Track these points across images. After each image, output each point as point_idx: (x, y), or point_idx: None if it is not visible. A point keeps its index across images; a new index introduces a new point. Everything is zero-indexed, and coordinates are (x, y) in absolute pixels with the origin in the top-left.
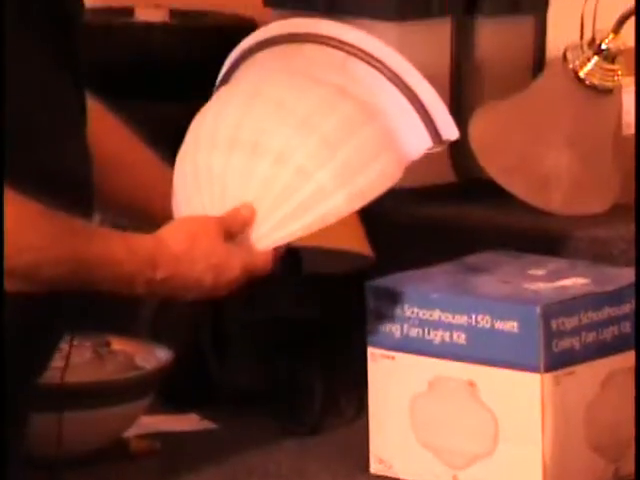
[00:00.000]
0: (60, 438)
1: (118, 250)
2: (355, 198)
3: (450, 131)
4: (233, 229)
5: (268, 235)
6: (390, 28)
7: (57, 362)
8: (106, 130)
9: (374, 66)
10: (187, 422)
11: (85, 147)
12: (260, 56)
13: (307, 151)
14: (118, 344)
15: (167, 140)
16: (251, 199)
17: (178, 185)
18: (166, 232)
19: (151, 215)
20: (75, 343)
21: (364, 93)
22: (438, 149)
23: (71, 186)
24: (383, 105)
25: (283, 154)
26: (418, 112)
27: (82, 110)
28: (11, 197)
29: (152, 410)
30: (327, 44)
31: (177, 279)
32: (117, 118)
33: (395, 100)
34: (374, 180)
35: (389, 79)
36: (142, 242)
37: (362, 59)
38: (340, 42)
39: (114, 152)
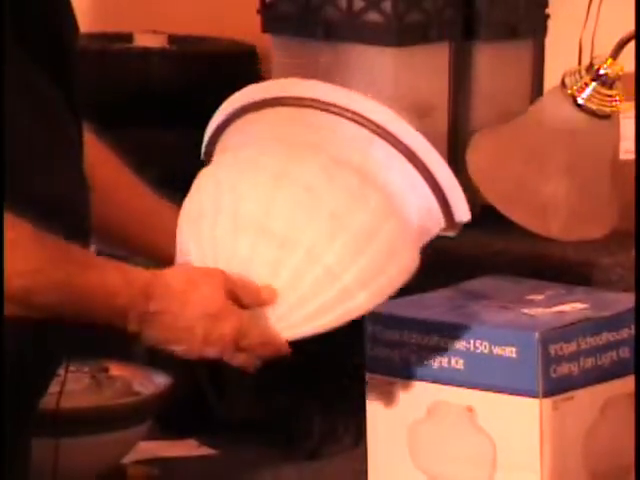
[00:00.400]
0: (56, 465)
1: (113, 279)
2: (376, 296)
3: (463, 214)
4: (242, 296)
5: (290, 329)
6: (388, 54)
7: (55, 387)
8: (98, 160)
9: (398, 148)
10: (185, 448)
11: (82, 173)
12: (269, 117)
13: (336, 251)
14: (116, 370)
15: (162, 166)
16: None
17: (190, 250)
18: (167, 270)
19: (144, 246)
20: (73, 369)
21: (386, 178)
22: (450, 232)
23: (68, 212)
24: (403, 188)
25: (313, 251)
26: (435, 194)
27: (79, 136)
28: (5, 219)
29: (150, 436)
30: (352, 119)
31: (168, 316)
32: (109, 148)
33: (414, 181)
34: (394, 277)
35: (409, 159)
36: (139, 274)
37: (387, 140)
38: (366, 120)
39: (106, 182)
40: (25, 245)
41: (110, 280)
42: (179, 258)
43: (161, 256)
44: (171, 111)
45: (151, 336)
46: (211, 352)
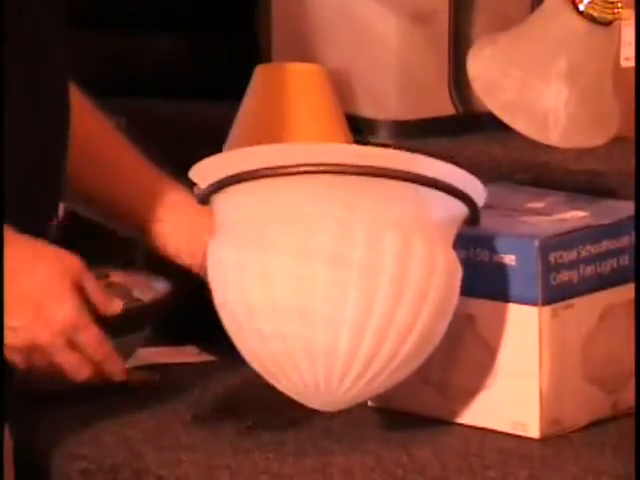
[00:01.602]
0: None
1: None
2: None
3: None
4: (91, 294)
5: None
6: None
7: None
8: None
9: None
10: (185, 354)
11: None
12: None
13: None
14: (116, 277)
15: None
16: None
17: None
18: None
19: (129, 214)
20: None
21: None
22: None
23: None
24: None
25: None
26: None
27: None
28: None
29: (151, 343)
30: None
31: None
32: (102, 113)
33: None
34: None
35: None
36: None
37: (438, 188)
38: (414, 175)
39: (82, 131)
40: None
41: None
42: None
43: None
44: None
45: None
46: (41, 335)
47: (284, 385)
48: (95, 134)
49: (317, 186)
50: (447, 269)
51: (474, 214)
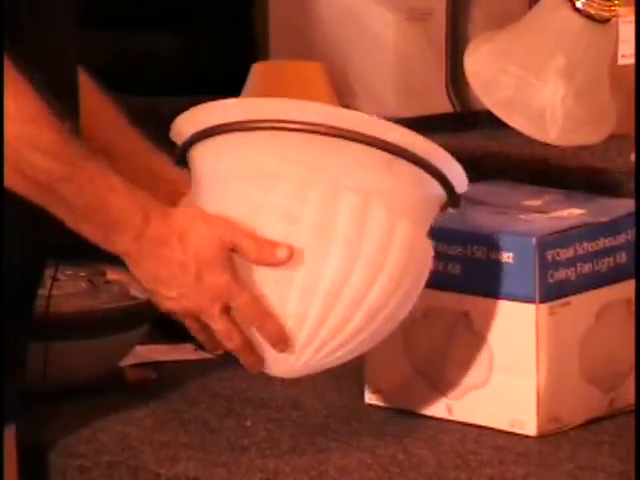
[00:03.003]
0: (46, 367)
1: (114, 178)
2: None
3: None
4: (246, 249)
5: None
6: None
7: (53, 292)
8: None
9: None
10: (183, 352)
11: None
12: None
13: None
14: (113, 274)
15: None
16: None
17: None
18: (172, 208)
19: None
20: (70, 273)
21: (408, 199)
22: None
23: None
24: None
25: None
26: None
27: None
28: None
29: (148, 340)
30: (371, 144)
31: (165, 248)
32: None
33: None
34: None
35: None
36: (141, 191)
37: (408, 159)
38: (385, 142)
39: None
40: (26, 95)
41: (110, 175)
42: None
43: None
44: None
45: (143, 267)
46: (201, 300)
47: None
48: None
49: (284, 143)
50: (409, 244)
51: (451, 196)
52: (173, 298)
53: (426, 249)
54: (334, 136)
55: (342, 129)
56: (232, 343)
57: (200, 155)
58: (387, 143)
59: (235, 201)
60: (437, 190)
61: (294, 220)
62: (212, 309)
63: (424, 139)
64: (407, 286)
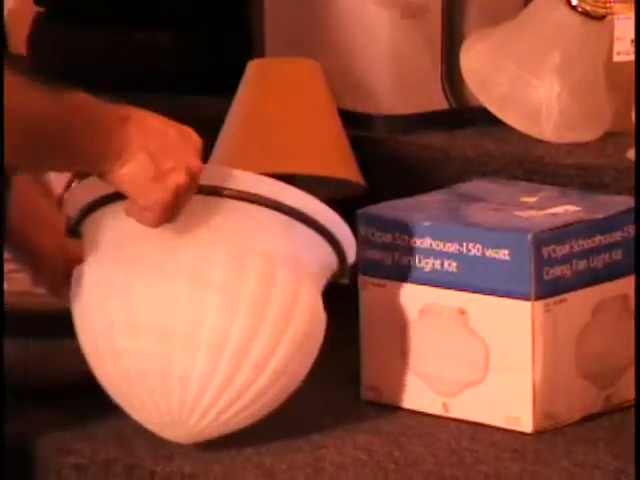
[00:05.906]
0: (28, 364)
1: (90, 100)
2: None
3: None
4: None
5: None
6: None
7: (39, 289)
8: None
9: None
10: None
11: None
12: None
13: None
14: None
15: None
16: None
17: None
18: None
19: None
20: None
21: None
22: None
23: None
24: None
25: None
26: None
27: None
28: None
29: None
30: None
31: (149, 120)
32: None
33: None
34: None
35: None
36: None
37: (305, 222)
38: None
39: None
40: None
41: (87, 98)
42: None
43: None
44: None
45: (132, 163)
46: (189, 154)
47: (138, 411)
48: None
49: (189, 206)
50: (311, 310)
51: (341, 263)
52: (174, 167)
53: (321, 313)
54: (227, 197)
55: (242, 192)
56: (168, 199)
57: (95, 223)
58: (282, 205)
59: (140, 263)
60: (332, 257)
61: (201, 283)
62: (198, 161)
63: (324, 207)
64: (310, 352)
